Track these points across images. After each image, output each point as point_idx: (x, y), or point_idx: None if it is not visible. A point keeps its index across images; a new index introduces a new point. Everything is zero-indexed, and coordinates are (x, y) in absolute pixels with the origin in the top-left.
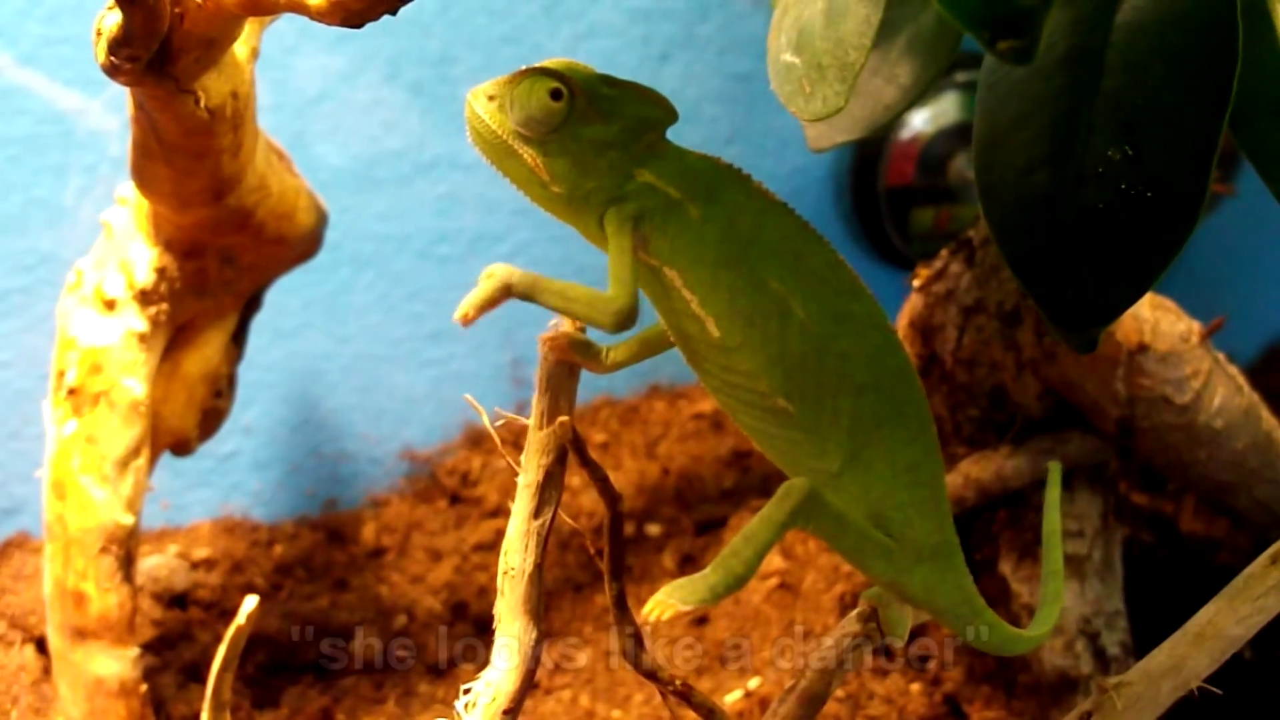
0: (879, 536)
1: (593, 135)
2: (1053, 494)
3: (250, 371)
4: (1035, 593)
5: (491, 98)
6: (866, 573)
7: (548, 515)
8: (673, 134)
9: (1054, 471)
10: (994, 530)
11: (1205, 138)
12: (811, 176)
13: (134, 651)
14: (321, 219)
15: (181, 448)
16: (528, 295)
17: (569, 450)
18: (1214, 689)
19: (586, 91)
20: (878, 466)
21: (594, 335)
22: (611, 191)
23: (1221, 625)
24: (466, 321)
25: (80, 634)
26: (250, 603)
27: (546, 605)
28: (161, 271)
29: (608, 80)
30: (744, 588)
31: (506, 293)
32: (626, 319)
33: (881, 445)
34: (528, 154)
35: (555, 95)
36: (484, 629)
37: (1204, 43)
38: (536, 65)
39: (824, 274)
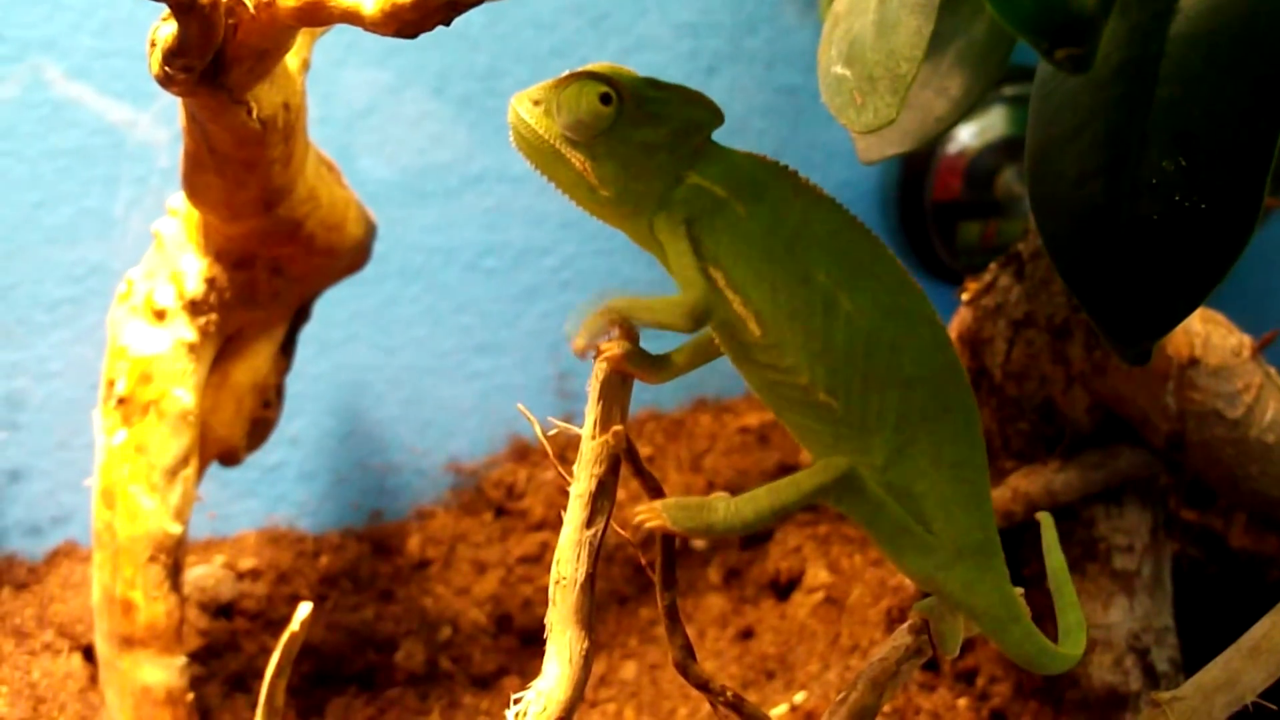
0: (918, 530)
1: (641, 138)
2: (1049, 537)
3: (297, 382)
4: (1084, 608)
5: (537, 102)
6: (902, 566)
7: (600, 525)
8: None
9: (1046, 521)
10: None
11: (1260, 149)
12: (858, 190)
13: (181, 660)
14: (370, 231)
15: (229, 458)
16: (626, 316)
17: (622, 460)
18: (1269, 704)
19: (635, 95)
20: (921, 461)
21: (646, 345)
22: (660, 194)
23: (1277, 640)
24: (580, 352)
25: (128, 642)
26: (304, 609)
27: None
28: (211, 282)
29: (654, 83)
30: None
31: (610, 315)
32: (701, 315)
33: (927, 440)
34: (575, 158)
35: (605, 99)
36: (529, 641)
37: (1259, 53)
38: (582, 69)
39: (872, 268)
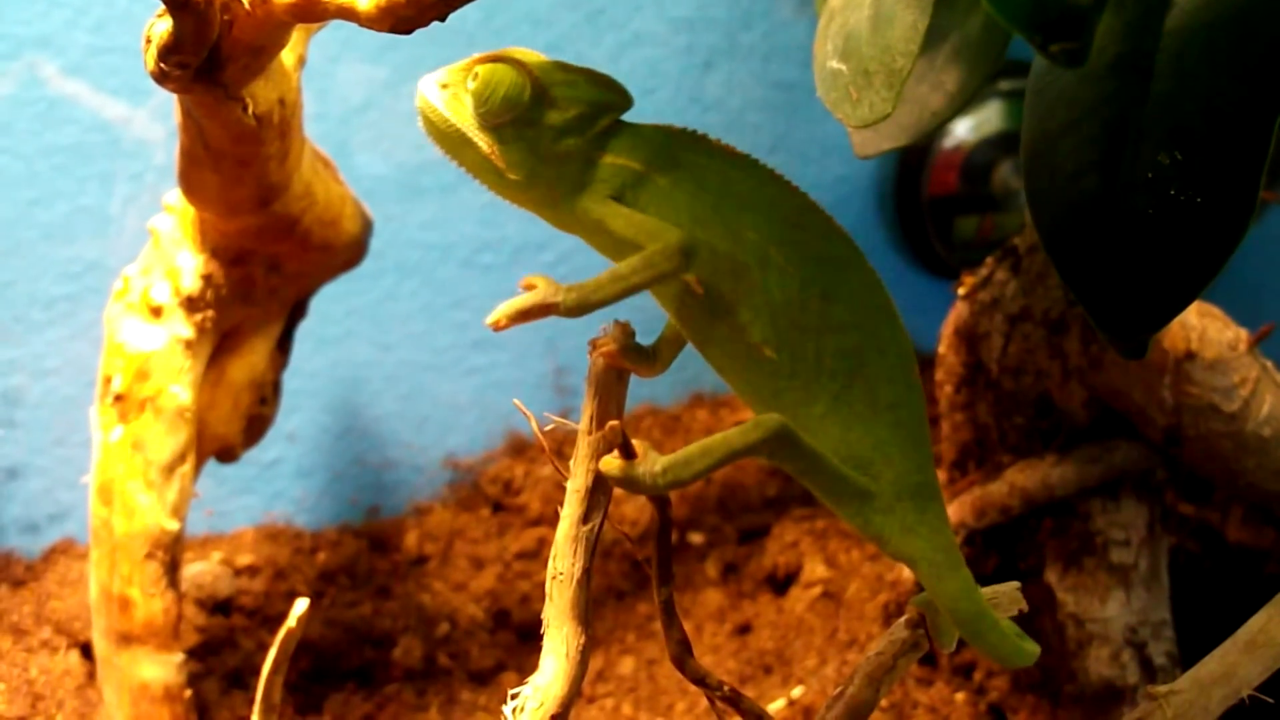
0: (855, 475)
1: (549, 121)
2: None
3: (294, 379)
4: (1081, 601)
5: (445, 86)
6: (842, 513)
7: (596, 520)
8: None
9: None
10: (1039, 539)
11: (1255, 143)
12: (855, 185)
13: (178, 657)
14: (366, 227)
15: (226, 454)
16: (580, 309)
17: (619, 454)
18: (1265, 697)
19: (542, 78)
20: (858, 405)
21: (640, 339)
22: (573, 178)
23: (1273, 633)
24: (498, 328)
25: (125, 639)
26: (301, 605)
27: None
28: (208, 278)
29: (562, 66)
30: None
31: (548, 312)
32: (686, 250)
33: (863, 384)
34: (483, 141)
35: (512, 83)
36: (526, 637)
37: (1254, 48)
38: (490, 53)
39: (798, 219)
